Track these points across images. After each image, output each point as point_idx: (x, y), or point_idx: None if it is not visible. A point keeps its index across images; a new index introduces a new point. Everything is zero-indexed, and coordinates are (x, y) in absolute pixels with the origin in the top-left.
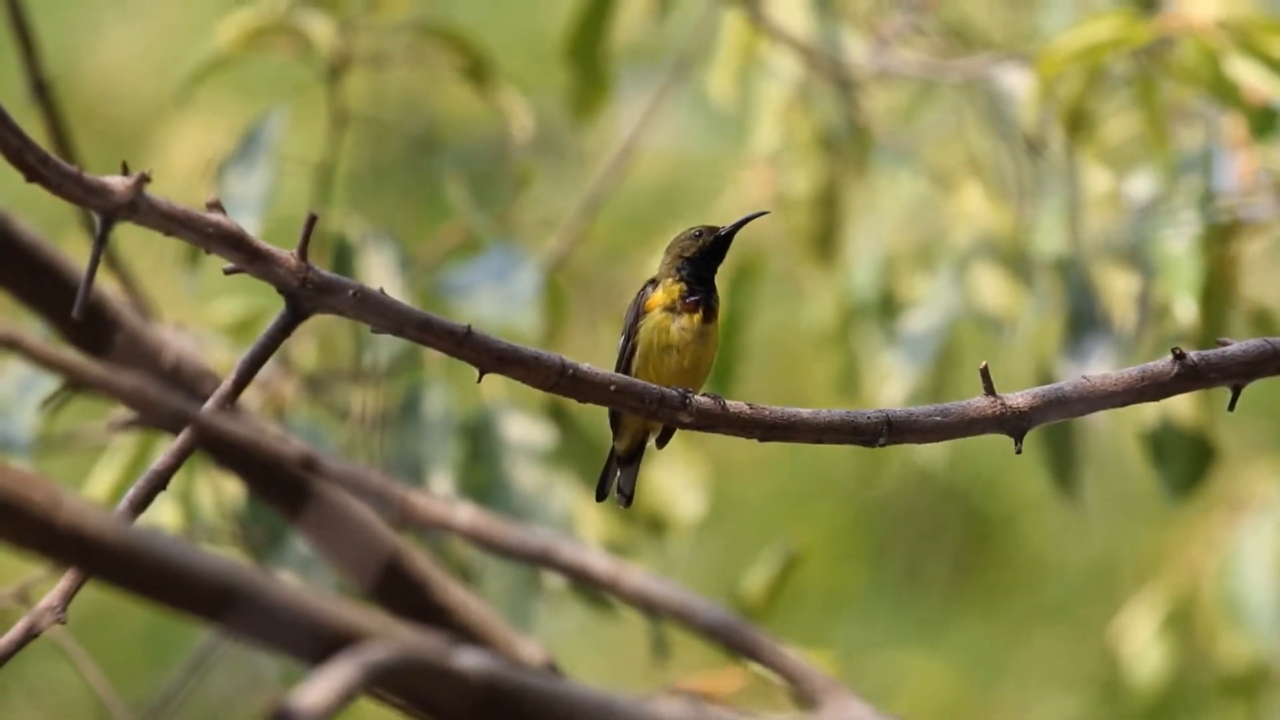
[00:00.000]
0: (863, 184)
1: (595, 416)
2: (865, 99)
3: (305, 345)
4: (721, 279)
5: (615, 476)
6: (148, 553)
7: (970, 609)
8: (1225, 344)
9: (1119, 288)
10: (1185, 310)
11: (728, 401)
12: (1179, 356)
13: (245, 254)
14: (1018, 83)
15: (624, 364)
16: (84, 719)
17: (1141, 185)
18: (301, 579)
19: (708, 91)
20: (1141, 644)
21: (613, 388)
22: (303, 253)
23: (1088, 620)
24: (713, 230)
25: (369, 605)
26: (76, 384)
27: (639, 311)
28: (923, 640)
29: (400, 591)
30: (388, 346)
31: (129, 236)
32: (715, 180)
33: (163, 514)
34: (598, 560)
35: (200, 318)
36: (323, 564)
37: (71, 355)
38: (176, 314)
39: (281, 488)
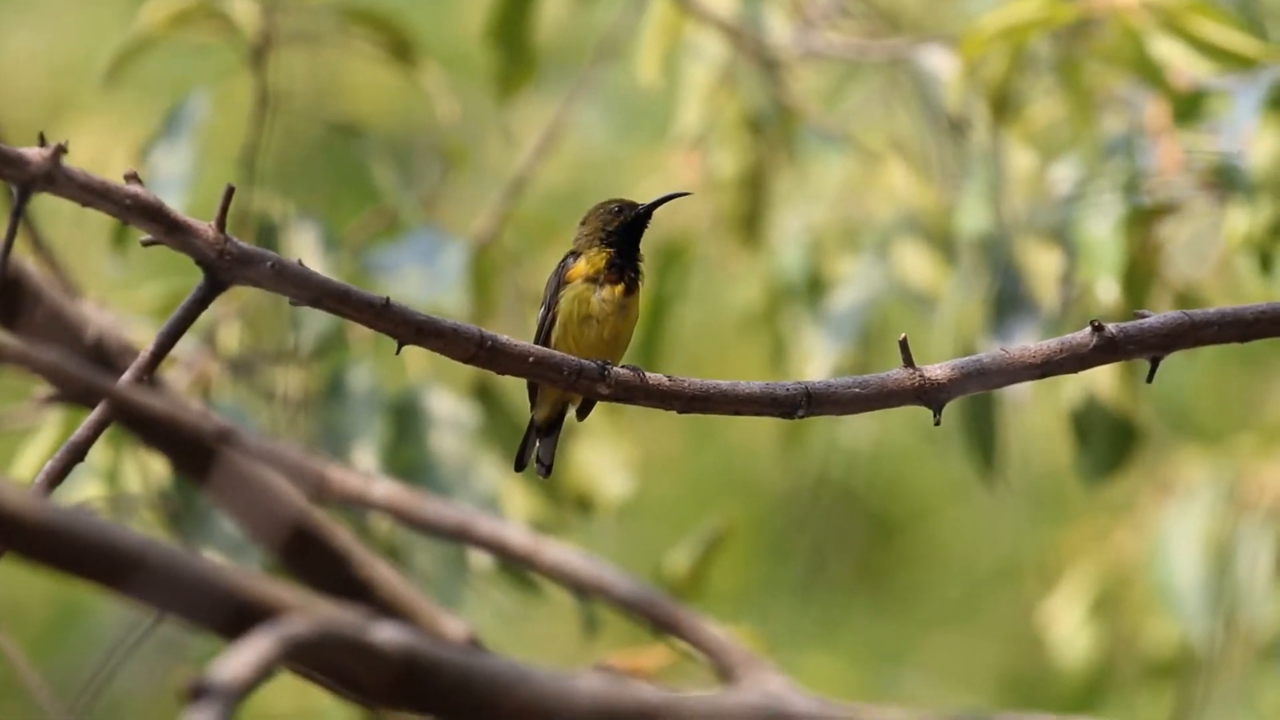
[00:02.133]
0: (789, 166)
1: (522, 395)
2: (792, 80)
3: (232, 327)
4: (649, 262)
5: (534, 447)
6: (63, 527)
7: (872, 607)
8: (1144, 316)
9: (1043, 267)
10: (1108, 291)
11: (647, 374)
12: (1097, 329)
13: (163, 225)
14: (942, 64)
15: (543, 335)
16: (5, 699)
17: (1066, 168)
18: (229, 559)
19: (633, 75)
20: (1069, 630)
21: (531, 359)
22: (220, 224)
23: (989, 617)
24: (632, 206)
25: (290, 581)
26: None
27: (560, 282)
28: (825, 637)
29: (322, 567)
30: (313, 326)
31: (57, 222)
32: (642, 164)
33: (88, 492)
34: (515, 534)
35: (126, 301)
36: (250, 544)
37: None
38: (102, 297)
39: (204, 465)
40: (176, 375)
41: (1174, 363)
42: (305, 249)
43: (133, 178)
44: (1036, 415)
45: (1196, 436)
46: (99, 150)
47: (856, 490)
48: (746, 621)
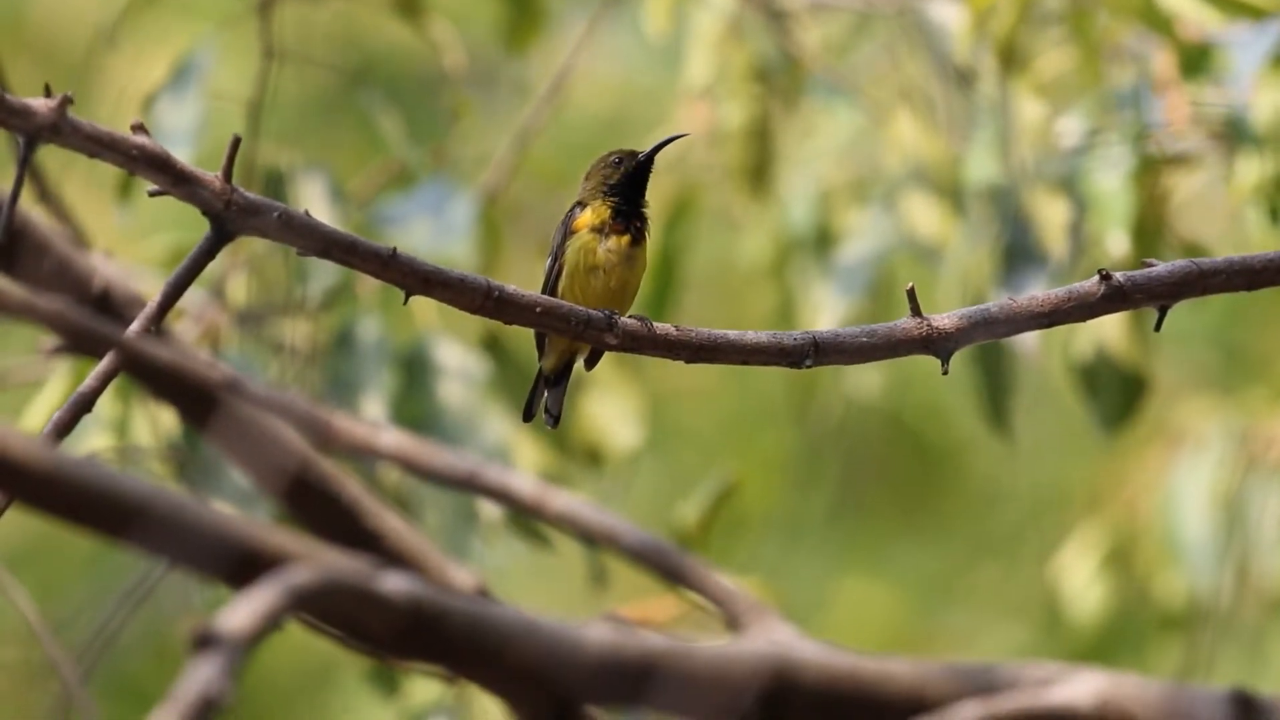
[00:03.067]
0: (797, 117)
1: (531, 347)
2: (800, 31)
3: (241, 279)
4: (658, 214)
5: (542, 397)
6: (71, 476)
7: (914, 538)
8: (1151, 265)
9: (1052, 218)
10: (1117, 243)
11: (654, 324)
12: (1105, 277)
13: (170, 176)
14: (951, 15)
15: (550, 285)
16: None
17: (1074, 119)
18: (238, 509)
19: (642, 22)
20: (1081, 581)
21: (538, 309)
22: (227, 175)
23: (1032, 549)
24: (632, 154)
25: (298, 531)
26: (1, 309)
27: (566, 232)
28: (866, 568)
29: (330, 517)
30: (322, 278)
31: (69, 176)
32: (650, 111)
33: (98, 444)
34: (523, 483)
35: (135, 253)
36: (259, 495)
37: None
38: (110, 249)
39: (212, 416)
40: (186, 327)
41: (1185, 314)
42: (313, 200)
43: (140, 128)
44: (1062, 348)
45: (1207, 388)
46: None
47: (894, 418)
48: (781, 554)
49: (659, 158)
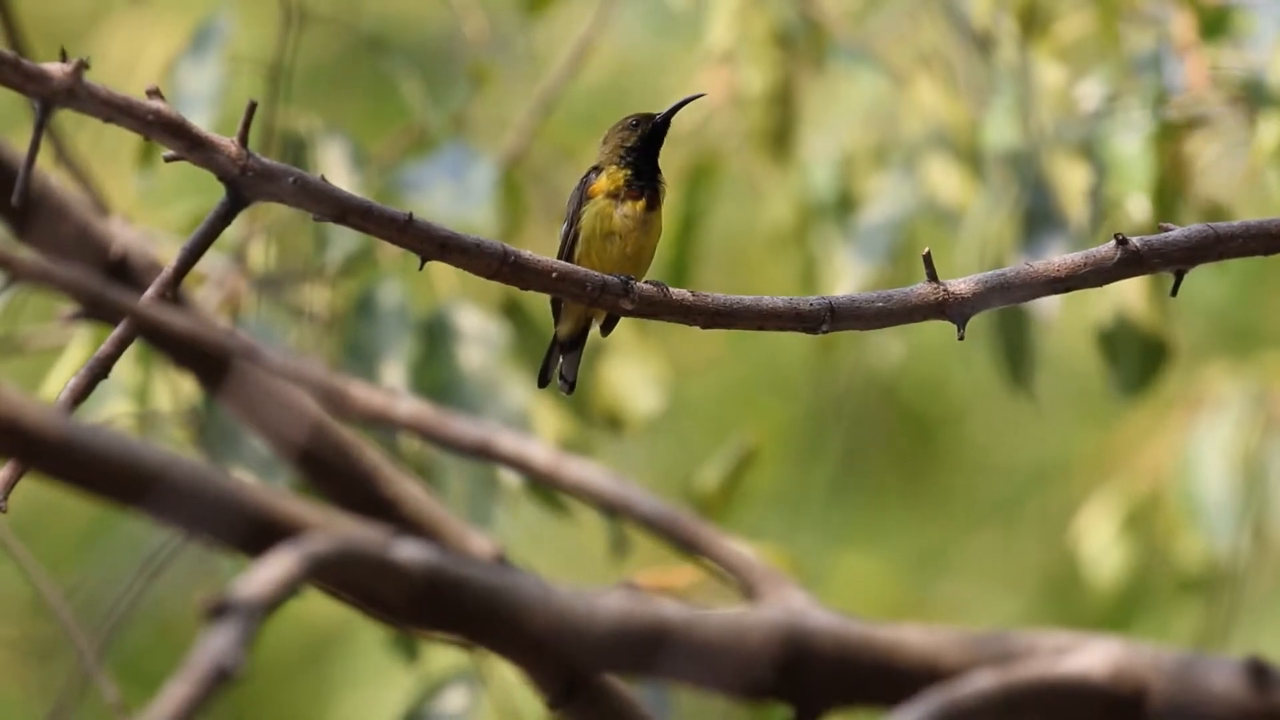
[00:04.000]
0: (819, 82)
1: (550, 314)
2: None
3: (261, 245)
4: (678, 180)
5: (558, 363)
6: (86, 444)
7: (913, 508)
8: (1168, 229)
9: (1072, 183)
10: (1138, 208)
11: (670, 289)
12: (1121, 242)
13: (186, 141)
14: None
15: (566, 250)
16: (20, 616)
17: (1094, 83)
18: (258, 477)
19: None
20: (1101, 545)
21: (554, 274)
22: (243, 140)
23: (1031, 519)
24: (649, 117)
25: (317, 499)
26: (17, 276)
27: (582, 197)
28: (864, 538)
29: (349, 484)
30: (342, 244)
31: (86, 141)
32: (670, 77)
33: (117, 409)
34: (537, 451)
35: (154, 219)
36: (278, 462)
37: (10, 248)
38: (129, 215)
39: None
40: (207, 293)
41: (1204, 278)
42: (333, 165)
43: (155, 93)
44: (1079, 317)
45: (1226, 352)
46: (135, 55)
47: (893, 390)
48: (784, 523)
49: (678, 124)
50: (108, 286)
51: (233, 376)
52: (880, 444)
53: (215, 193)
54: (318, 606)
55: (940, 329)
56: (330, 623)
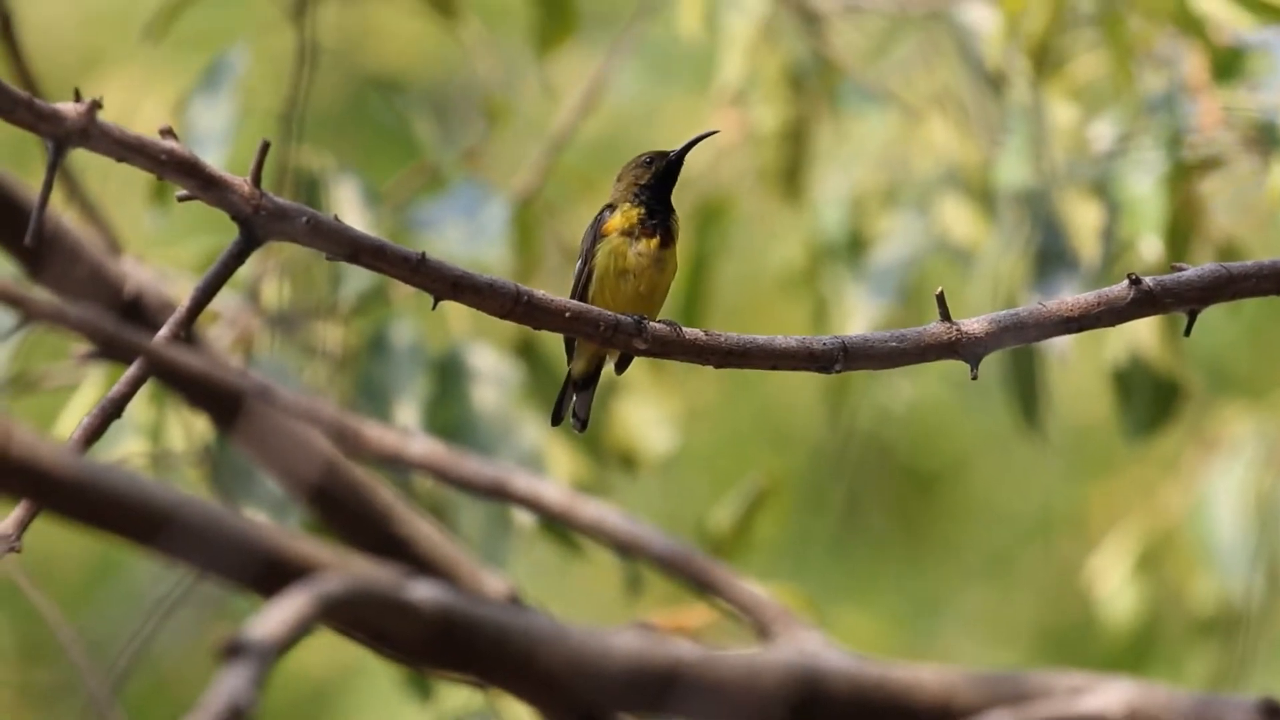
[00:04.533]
0: (830, 121)
1: (563, 351)
2: (832, 35)
3: (276, 284)
4: (689, 219)
5: (571, 401)
6: (100, 483)
7: (908, 560)
8: (1181, 269)
9: (1084, 223)
10: (1150, 248)
11: (684, 328)
12: (1135, 282)
13: (199, 181)
14: (983, 18)
15: (580, 289)
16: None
17: (1107, 123)
18: (271, 516)
19: (672, 35)
20: (1114, 586)
21: (568, 314)
22: (256, 179)
23: (1026, 572)
24: (663, 155)
25: (330, 538)
26: (31, 317)
27: (596, 235)
28: (861, 591)
29: (362, 524)
30: (355, 283)
31: (100, 182)
32: (682, 115)
33: (131, 449)
34: (551, 491)
35: (167, 258)
36: (291, 502)
37: (25, 288)
38: (142, 254)
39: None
40: (220, 332)
41: (1218, 319)
42: (346, 204)
43: (168, 133)
44: (1076, 368)
45: (1240, 392)
46: (132, 102)
47: (893, 442)
48: (783, 574)
49: (690, 164)
50: (121, 326)
51: (246, 416)
52: (879, 495)
53: (227, 231)
54: (330, 646)
55: (942, 379)
56: (343, 662)
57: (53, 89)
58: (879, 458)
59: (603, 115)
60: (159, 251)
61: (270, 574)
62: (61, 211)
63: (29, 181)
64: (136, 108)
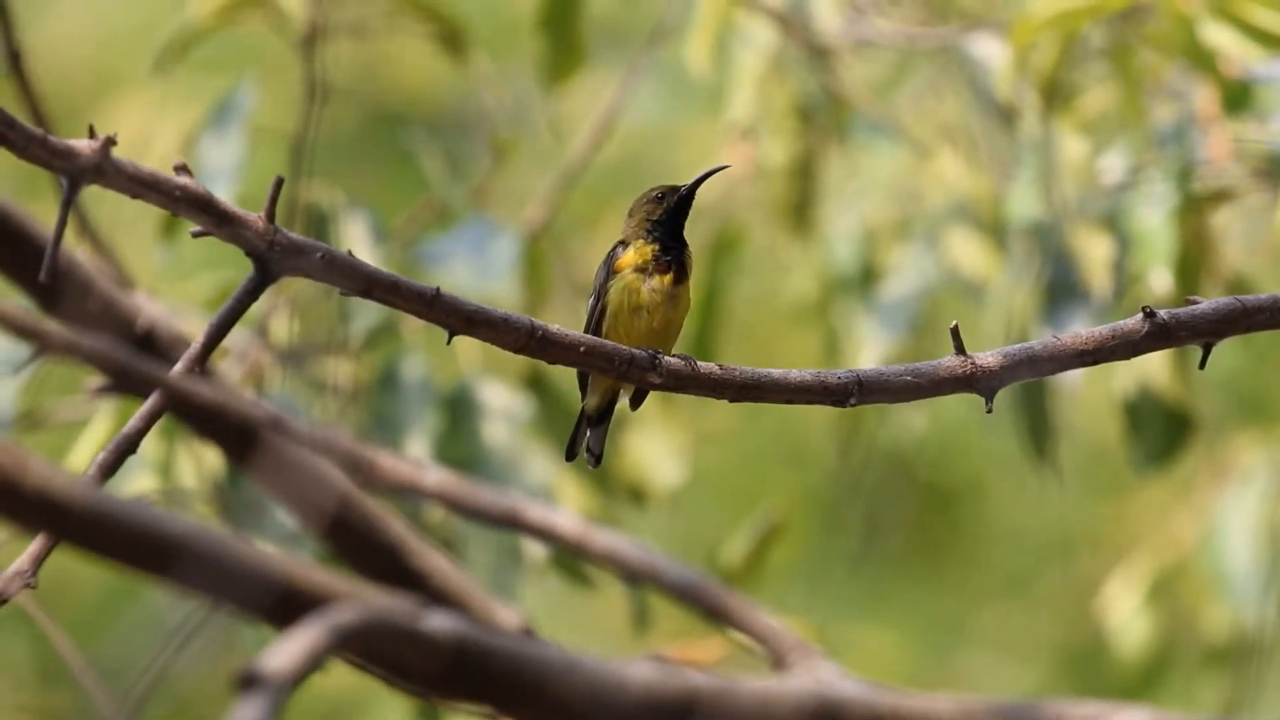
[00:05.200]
0: (840, 154)
1: (574, 385)
2: (842, 69)
3: (284, 318)
4: (701, 252)
5: (585, 437)
6: (115, 516)
7: (929, 580)
8: (1195, 302)
9: (1095, 255)
10: (1161, 281)
11: (698, 363)
12: (1149, 315)
13: (213, 217)
14: (993, 51)
15: (593, 324)
16: (41, 684)
17: (1117, 156)
18: (283, 549)
19: (683, 61)
20: (1126, 615)
21: (582, 349)
22: (270, 215)
23: (1045, 591)
24: (674, 189)
25: (343, 570)
26: (45, 349)
27: (609, 271)
28: (879, 611)
29: (375, 556)
30: (365, 317)
31: (110, 216)
32: (692, 149)
33: (142, 485)
34: (565, 521)
35: (179, 293)
36: (303, 534)
37: (39, 321)
38: (154, 288)
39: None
40: (230, 366)
41: (1230, 349)
42: (356, 239)
43: (182, 169)
44: (1092, 390)
45: (1250, 423)
46: (146, 128)
47: (911, 461)
48: (801, 594)
49: (701, 196)
50: (137, 359)
51: (261, 448)
52: (898, 515)
53: (237, 266)
54: (339, 676)
55: (960, 400)
56: (352, 692)
57: (69, 109)
58: (898, 477)
59: (617, 140)
60: (170, 286)
61: (284, 605)
62: (73, 246)
63: (38, 212)
64: (153, 129)
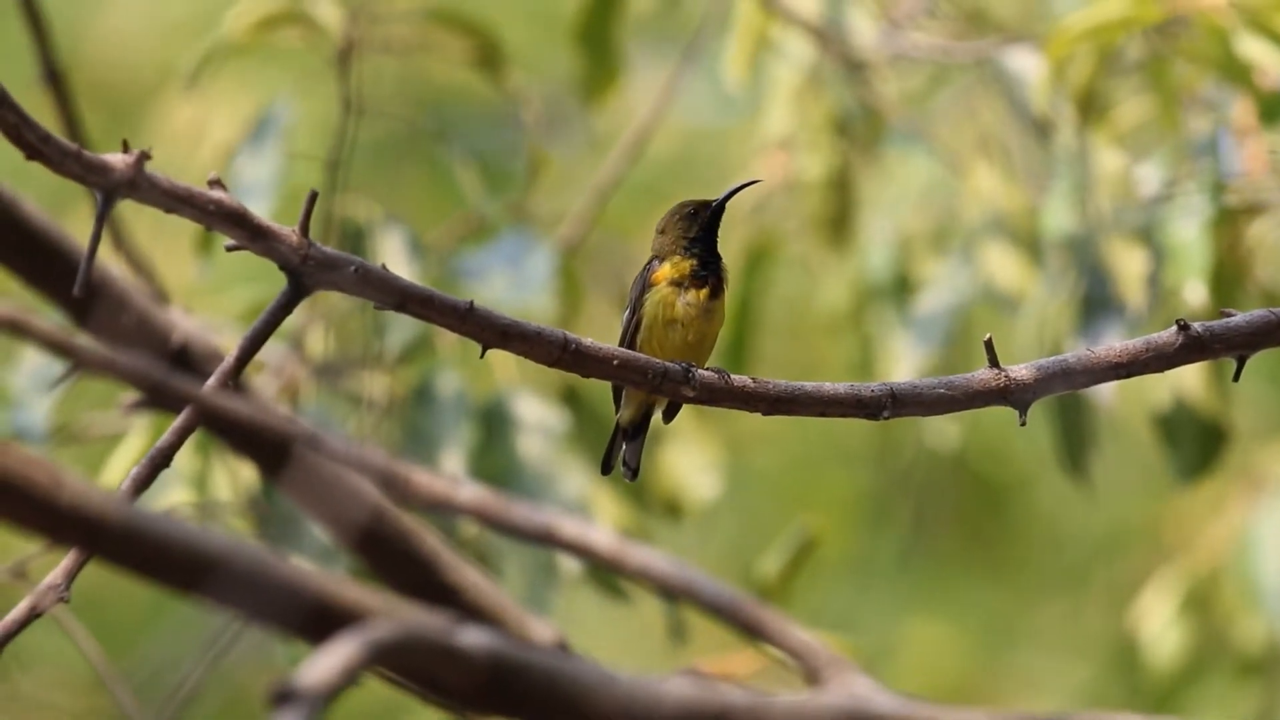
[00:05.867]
0: (876, 167)
1: (609, 399)
2: (878, 82)
3: (320, 333)
4: (736, 263)
5: (620, 450)
6: (149, 531)
7: (980, 577)
8: (1230, 315)
9: (1130, 269)
10: (1195, 294)
11: (731, 376)
12: (1183, 327)
13: (247, 231)
14: (1028, 64)
15: (628, 338)
16: (84, 696)
17: (1152, 168)
18: (318, 565)
19: (720, 69)
20: (1160, 625)
21: (616, 362)
22: (304, 229)
23: (1099, 589)
24: (705, 204)
25: (377, 586)
26: (79, 365)
27: (645, 285)
28: (932, 608)
29: (409, 571)
30: (400, 332)
31: (145, 229)
32: (728, 158)
33: (177, 499)
34: (600, 537)
35: (214, 307)
36: (339, 550)
37: (74, 337)
38: (189, 303)
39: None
40: (265, 381)
41: (1262, 360)
42: (392, 253)
43: (216, 183)
44: (1140, 391)
45: None
46: (198, 127)
47: (961, 459)
48: (853, 591)
49: (736, 205)
50: (171, 375)
51: (294, 462)
52: (948, 513)
53: (273, 280)
54: (373, 690)
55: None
56: (386, 707)
57: (127, 106)
58: (947, 475)
59: (652, 156)
60: (205, 301)
61: (319, 621)
62: (108, 261)
63: (71, 225)
64: (203, 129)
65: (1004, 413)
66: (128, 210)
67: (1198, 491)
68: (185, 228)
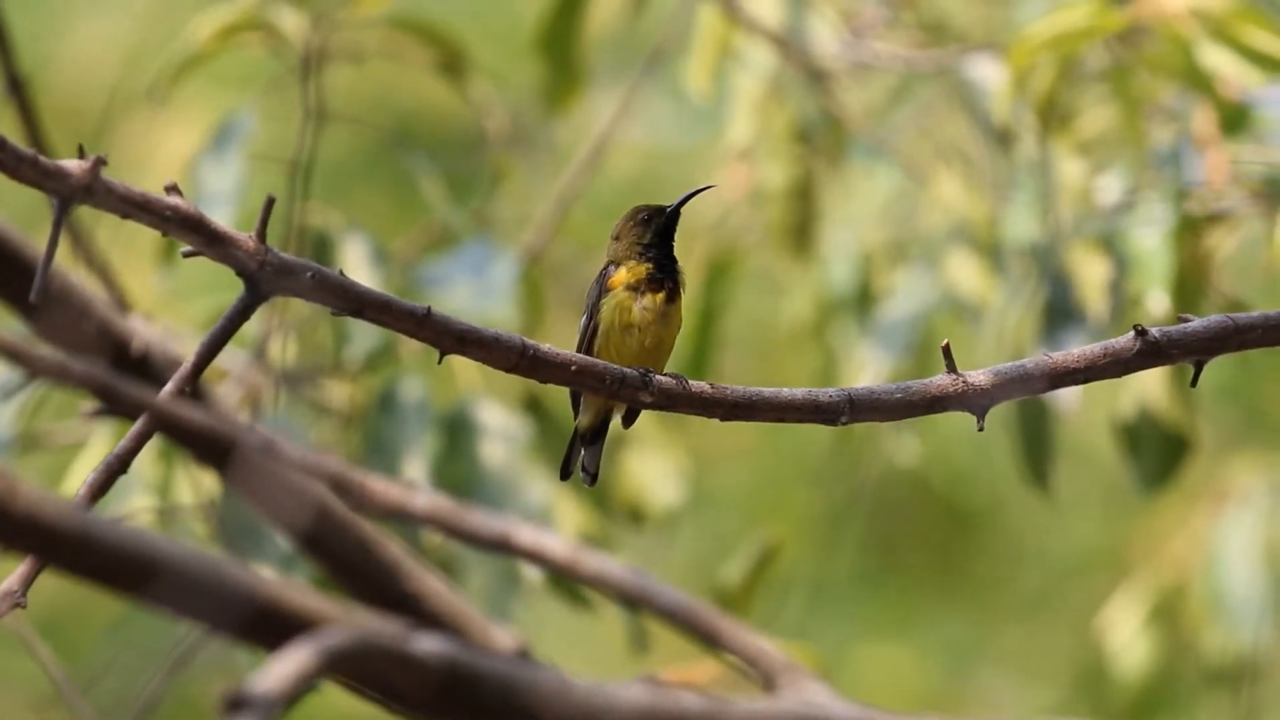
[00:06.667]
0: (838, 177)
1: (570, 408)
2: (840, 92)
3: (283, 341)
4: (697, 273)
5: (579, 456)
6: (104, 539)
7: (944, 599)
8: (1187, 320)
9: (1092, 277)
10: (1158, 303)
11: (689, 381)
12: (1141, 333)
13: (204, 237)
14: (990, 74)
15: (585, 343)
16: (47, 708)
17: (1114, 178)
18: (279, 571)
19: (682, 83)
20: (1127, 637)
21: (573, 368)
22: (261, 235)
23: (1064, 610)
24: (660, 209)
25: (338, 594)
26: (35, 373)
27: (601, 290)
28: (898, 630)
29: (371, 578)
30: (363, 340)
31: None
32: (690, 170)
33: (138, 505)
34: (556, 544)
35: (176, 315)
36: (299, 557)
37: (30, 345)
38: (155, 313)
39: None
40: (228, 389)
41: (1227, 370)
42: (355, 261)
43: (173, 189)
44: (1103, 408)
45: (1250, 444)
46: (163, 144)
47: (926, 480)
48: (817, 612)
49: (699, 217)
50: (125, 382)
51: (244, 469)
52: (912, 533)
53: (235, 289)
54: (335, 701)
55: (970, 419)
56: (349, 717)
57: (94, 128)
58: (911, 495)
59: (615, 167)
60: (168, 309)
61: (273, 627)
62: (70, 269)
63: (39, 240)
64: (155, 158)
65: (969, 434)
66: (93, 220)
67: (1162, 511)
68: (146, 236)
